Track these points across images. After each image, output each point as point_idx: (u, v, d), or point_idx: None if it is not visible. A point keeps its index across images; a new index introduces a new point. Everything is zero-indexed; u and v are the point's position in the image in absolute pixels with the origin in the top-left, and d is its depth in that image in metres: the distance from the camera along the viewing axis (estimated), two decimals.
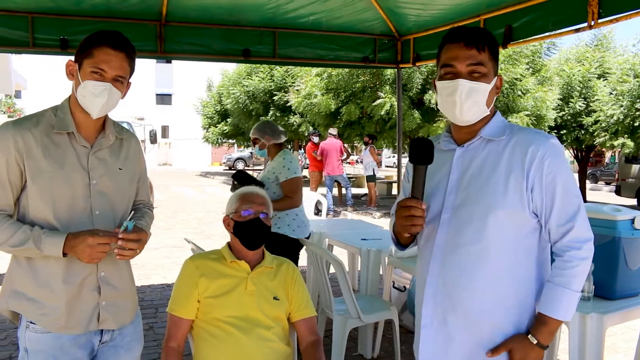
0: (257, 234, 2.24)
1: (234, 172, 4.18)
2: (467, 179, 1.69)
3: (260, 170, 28.27)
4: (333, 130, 13.08)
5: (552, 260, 1.70)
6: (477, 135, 1.71)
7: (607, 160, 33.43)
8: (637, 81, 12.65)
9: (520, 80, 11.97)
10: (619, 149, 14.40)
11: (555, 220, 1.63)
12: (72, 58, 1.86)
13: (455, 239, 1.68)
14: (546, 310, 1.62)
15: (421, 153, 1.64)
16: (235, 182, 4.00)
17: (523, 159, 1.62)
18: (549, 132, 14.49)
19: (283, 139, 4.10)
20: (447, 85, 1.65)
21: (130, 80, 1.92)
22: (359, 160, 26.74)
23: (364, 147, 13.76)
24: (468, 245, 1.66)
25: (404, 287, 4.66)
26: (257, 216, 2.24)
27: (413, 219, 1.62)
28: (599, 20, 3.26)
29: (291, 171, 3.91)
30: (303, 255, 4.12)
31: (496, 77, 1.70)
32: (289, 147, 23.87)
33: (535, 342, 1.62)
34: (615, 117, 12.83)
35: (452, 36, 1.68)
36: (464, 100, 1.63)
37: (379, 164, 16.27)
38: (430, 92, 12.18)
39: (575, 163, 17.18)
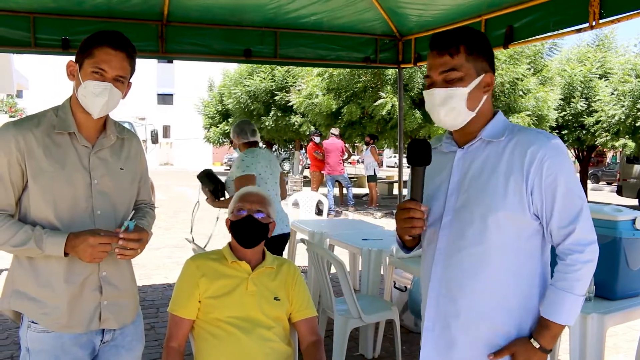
0: (250, 232, 2.25)
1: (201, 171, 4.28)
2: (468, 181, 1.67)
3: None
4: (335, 130, 13.10)
5: (554, 263, 1.69)
6: (477, 136, 1.69)
7: (608, 160, 33.41)
8: (639, 81, 12.63)
9: (522, 80, 11.95)
10: (620, 149, 14.39)
11: (557, 223, 1.60)
12: (73, 58, 1.86)
13: (456, 242, 1.67)
14: (548, 315, 1.60)
15: (419, 154, 1.64)
16: (201, 184, 4.10)
17: (522, 160, 1.60)
18: (550, 132, 14.55)
19: (250, 138, 4.16)
20: (425, 95, 1.68)
21: (131, 80, 1.92)
22: (360, 160, 26.75)
23: (365, 147, 13.77)
24: (469, 248, 1.64)
25: (405, 287, 4.67)
26: (250, 214, 2.26)
27: (412, 220, 1.62)
28: (600, 21, 3.26)
29: (240, 169, 3.95)
30: (304, 255, 4.12)
31: (482, 76, 1.65)
32: (290, 146, 23.85)
33: (537, 346, 1.61)
34: (616, 118, 12.82)
35: (430, 44, 1.68)
36: (440, 107, 1.64)
37: (380, 164, 16.28)
38: None
39: (577, 163, 17.17)
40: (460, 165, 1.70)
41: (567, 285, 1.58)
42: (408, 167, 1.71)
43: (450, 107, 1.63)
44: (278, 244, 3.96)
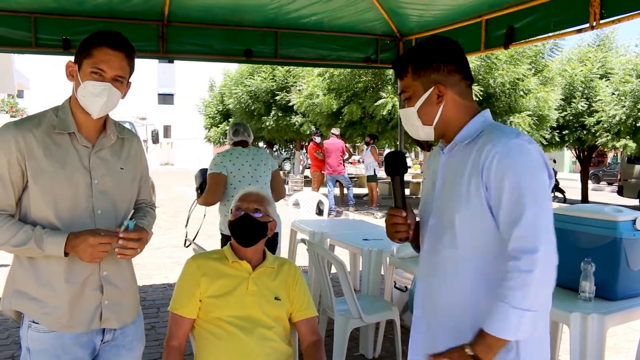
0: (246, 230, 2.27)
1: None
2: (447, 184, 1.70)
3: None
4: (336, 131, 13.09)
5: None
6: (454, 140, 1.71)
7: (609, 160, 33.39)
8: None
9: (522, 81, 11.95)
10: (621, 150, 14.37)
11: (502, 225, 1.55)
12: (73, 59, 1.86)
13: (435, 244, 1.72)
14: (483, 323, 1.53)
15: (394, 165, 1.77)
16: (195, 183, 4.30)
17: (479, 159, 1.58)
18: (551, 132, 14.36)
19: (234, 138, 4.28)
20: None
21: (130, 80, 1.92)
22: (360, 160, 26.75)
23: (365, 147, 13.78)
24: (444, 250, 1.68)
25: (406, 287, 4.67)
26: (247, 213, 2.28)
27: (396, 226, 1.72)
28: (601, 21, 3.26)
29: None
30: (305, 255, 4.12)
31: (430, 90, 1.66)
32: (291, 146, 23.84)
33: (471, 354, 1.53)
34: (617, 118, 12.82)
35: None
36: (405, 125, 1.78)
37: (381, 164, 16.28)
38: None
39: (578, 163, 17.15)
40: (443, 169, 1.74)
41: (501, 294, 1.50)
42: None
43: (410, 125, 1.75)
44: (268, 244, 3.95)
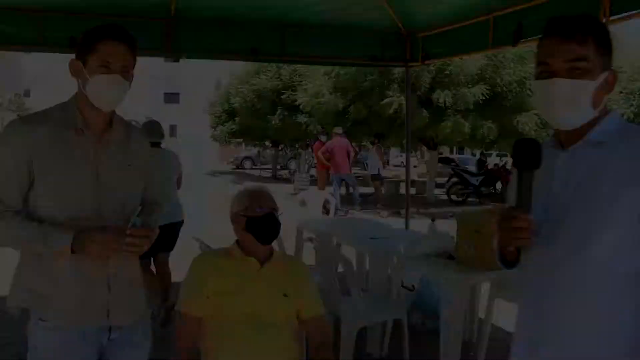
0: (273, 229, 2.26)
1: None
2: (571, 189, 1.45)
3: (268, 169, 27.86)
4: (338, 129, 13.02)
5: None
6: (585, 137, 1.45)
7: None
8: None
9: (530, 80, 11.89)
10: None
11: None
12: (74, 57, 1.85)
13: (553, 258, 1.47)
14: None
15: (527, 156, 1.43)
16: None
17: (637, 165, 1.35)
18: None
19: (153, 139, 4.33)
20: (541, 85, 1.44)
21: (132, 73, 1.91)
22: (365, 161, 26.77)
23: (370, 146, 13.79)
24: (564, 266, 1.44)
25: (413, 286, 4.65)
26: (270, 212, 2.26)
27: (517, 231, 1.41)
28: (611, 18, 3.22)
29: None
30: (311, 254, 4.10)
31: (606, 73, 1.42)
32: (297, 145, 23.85)
33: None
34: (625, 116, 12.76)
35: (548, 29, 1.46)
36: (561, 101, 1.40)
37: (387, 162, 16.27)
38: (439, 90, 12.12)
39: None
40: (564, 170, 1.48)
41: None
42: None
43: (574, 102, 1.40)
44: (167, 235, 3.93)
